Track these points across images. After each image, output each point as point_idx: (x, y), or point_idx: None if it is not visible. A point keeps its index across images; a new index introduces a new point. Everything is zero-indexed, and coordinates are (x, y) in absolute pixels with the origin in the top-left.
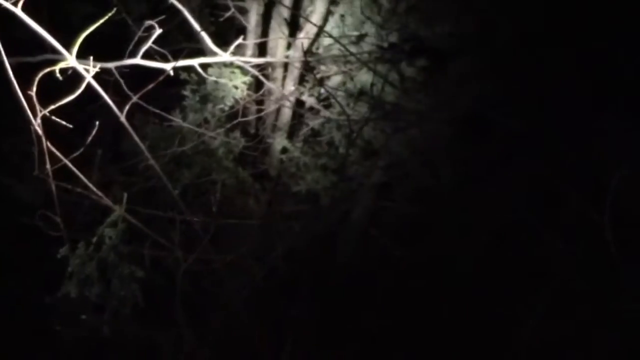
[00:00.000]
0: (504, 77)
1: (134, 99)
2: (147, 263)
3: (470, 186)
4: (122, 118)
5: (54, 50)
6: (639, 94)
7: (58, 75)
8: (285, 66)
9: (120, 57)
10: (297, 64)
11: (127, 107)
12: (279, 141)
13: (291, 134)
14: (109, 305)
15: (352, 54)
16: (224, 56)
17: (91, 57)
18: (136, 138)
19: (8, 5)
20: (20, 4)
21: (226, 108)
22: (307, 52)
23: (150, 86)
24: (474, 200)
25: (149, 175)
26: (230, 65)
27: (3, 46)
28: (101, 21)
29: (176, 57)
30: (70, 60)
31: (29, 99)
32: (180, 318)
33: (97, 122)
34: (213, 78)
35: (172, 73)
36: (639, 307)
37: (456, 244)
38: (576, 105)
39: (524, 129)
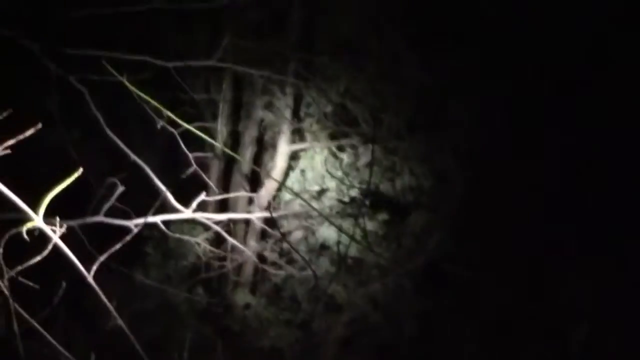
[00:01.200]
0: (460, 228)
1: (100, 259)
2: None
3: (432, 338)
4: (90, 279)
5: (18, 210)
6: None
7: (25, 236)
8: (247, 222)
9: (82, 215)
10: (259, 220)
11: (94, 268)
12: (242, 297)
13: (254, 290)
14: None
15: (314, 208)
16: (186, 213)
17: (57, 218)
18: (103, 298)
19: None
20: None
21: (188, 264)
22: (268, 208)
23: (117, 247)
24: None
25: (112, 332)
26: (192, 221)
27: None
28: (65, 183)
29: (139, 212)
30: (37, 220)
31: None
32: None
33: (64, 283)
34: (175, 235)
35: (135, 230)
36: None
37: None
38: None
39: (481, 278)
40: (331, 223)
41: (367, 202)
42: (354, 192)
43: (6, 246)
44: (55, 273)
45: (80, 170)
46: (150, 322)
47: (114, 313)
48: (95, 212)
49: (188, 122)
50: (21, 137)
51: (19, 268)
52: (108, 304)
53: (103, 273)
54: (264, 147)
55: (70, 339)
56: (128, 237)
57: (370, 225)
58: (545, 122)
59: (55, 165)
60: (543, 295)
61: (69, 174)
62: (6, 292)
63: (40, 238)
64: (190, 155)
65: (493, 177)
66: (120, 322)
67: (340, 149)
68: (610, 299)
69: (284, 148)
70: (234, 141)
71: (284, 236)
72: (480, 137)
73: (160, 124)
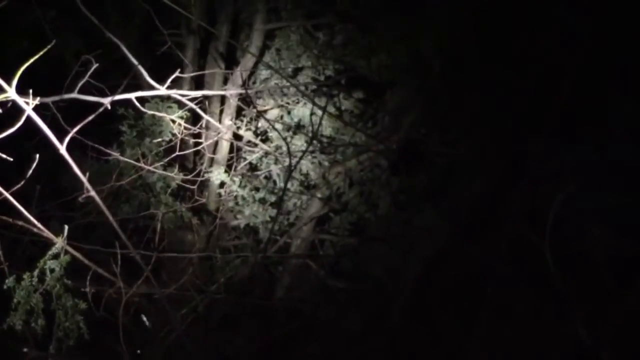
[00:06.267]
0: (437, 105)
1: (73, 132)
2: (90, 296)
3: (407, 216)
4: (63, 150)
5: None
6: (572, 114)
7: None
8: (223, 100)
9: (58, 93)
10: (234, 97)
11: (67, 139)
12: (217, 175)
13: (229, 168)
14: (54, 337)
15: (291, 83)
16: (160, 90)
17: (30, 91)
18: (77, 170)
19: None
20: None
21: (164, 142)
22: (244, 85)
23: (89, 118)
24: (411, 229)
25: (88, 210)
26: (167, 99)
27: None
28: (39, 54)
29: (114, 92)
30: (10, 92)
31: None
32: (122, 351)
33: (37, 155)
34: (150, 112)
35: (109, 107)
36: (578, 329)
37: (394, 274)
38: (510, 128)
39: (459, 155)
40: (307, 97)
41: (343, 81)
42: (330, 71)
43: None
44: (31, 151)
45: (53, 43)
46: (126, 200)
47: (87, 185)
48: (70, 90)
49: None
50: None
51: None
52: (81, 175)
53: (79, 152)
54: (239, 26)
55: (44, 213)
56: (99, 111)
57: (345, 104)
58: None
59: (31, 43)
60: (522, 175)
61: (44, 51)
62: None
63: (13, 117)
64: (166, 33)
65: (471, 55)
66: (93, 193)
67: (316, 27)
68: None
69: (259, 26)
70: (210, 20)
71: (260, 113)
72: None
73: None
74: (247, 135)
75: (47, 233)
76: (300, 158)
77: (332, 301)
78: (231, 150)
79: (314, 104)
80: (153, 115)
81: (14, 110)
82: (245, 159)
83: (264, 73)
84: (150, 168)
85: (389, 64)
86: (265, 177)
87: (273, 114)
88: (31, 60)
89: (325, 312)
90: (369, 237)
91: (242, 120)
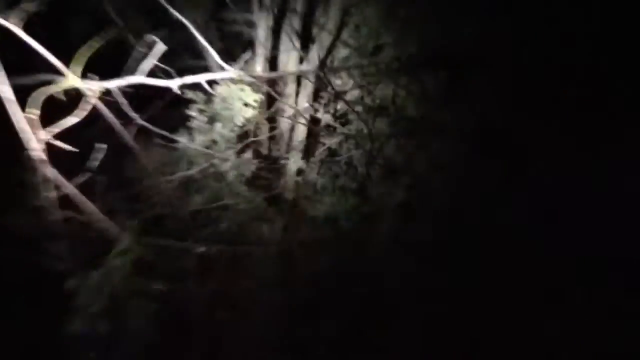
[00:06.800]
0: (518, 86)
1: (140, 120)
2: (159, 296)
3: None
4: (131, 140)
5: (49, 71)
6: None
7: (61, 96)
8: (298, 81)
9: (119, 76)
10: (311, 78)
11: (134, 129)
12: (294, 162)
13: (306, 154)
14: (121, 341)
15: (371, 63)
16: (232, 71)
17: (97, 77)
18: (144, 160)
19: (9, 25)
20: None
21: (236, 128)
22: (321, 65)
23: (158, 106)
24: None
25: (155, 202)
26: (239, 81)
27: None
28: (104, 39)
29: (181, 75)
30: (73, 79)
31: (31, 121)
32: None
33: (105, 146)
34: (221, 96)
35: (178, 91)
36: None
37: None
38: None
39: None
40: (388, 76)
41: (425, 59)
42: (412, 49)
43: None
44: (92, 141)
45: (116, 27)
46: (196, 190)
47: (155, 175)
48: (133, 73)
49: None
50: None
51: (55, 130)
52: (149, 166)
53: (145, 139)
54: (315, 2)
55: (109, 206)
56: (170, 95)
57: (429, 83)
58: None
59: (93, 23)
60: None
61: (107, 33)
62: (42, 156)
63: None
64: (236, 10)
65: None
66: (162, 186)
67: (397, 2)
68: None
69: (337, 2)
70: None
71: (339, 94)
72: None
73: None
74: (326, 118)
75: (114, 228)
76: (383, 142)
77: (416, 288)
78: (308, 135)
79: (396, 84)
80: (224, 99)
81: (73, 97)
82: (323, 143)
83: (342, 51)
84: (222, 156)
85: (476, 42)
86: (346, 163)
87: (353, 95)
88: (96, 47)
89: (409, 300)
90: (454, 224)
91: (319, 103)
